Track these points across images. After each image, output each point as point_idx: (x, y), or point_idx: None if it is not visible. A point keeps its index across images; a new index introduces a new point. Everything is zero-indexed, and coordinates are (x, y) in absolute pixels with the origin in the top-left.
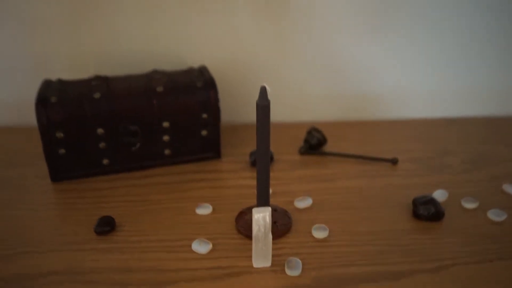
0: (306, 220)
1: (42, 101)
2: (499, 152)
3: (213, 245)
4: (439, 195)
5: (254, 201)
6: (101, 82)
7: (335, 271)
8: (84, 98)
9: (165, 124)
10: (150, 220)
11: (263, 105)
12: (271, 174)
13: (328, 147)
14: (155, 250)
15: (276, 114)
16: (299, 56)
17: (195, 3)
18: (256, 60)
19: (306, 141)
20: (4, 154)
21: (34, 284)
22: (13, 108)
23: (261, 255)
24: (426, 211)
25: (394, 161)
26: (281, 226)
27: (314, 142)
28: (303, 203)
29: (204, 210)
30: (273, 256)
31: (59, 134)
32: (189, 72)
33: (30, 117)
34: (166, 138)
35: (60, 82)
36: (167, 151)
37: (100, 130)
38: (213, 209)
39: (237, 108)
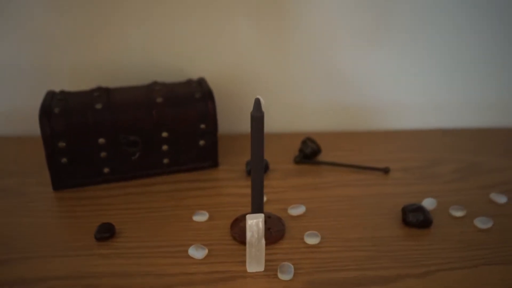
0: (299, 227)
1: (46, 112)
2: (488, 162)
3: (209, 250)
4: (428, 203)
5: (249, 209)
6: (103, 93)
7: (326, 276)
8: (86, 108)
9: (164, 134)
10: (149, 227)
11: (257, 116)
12: (267, 183)
13: (322, 157)
14: (154, 255)
15: (272, 125)
16: (295, 69)
17: (194, 18)
18: (253, 72)
19: (301, 150)
20: (8, 162)
21: None
22: (17, 118)
23: (255, 260)
24: (415, 219)
25: (386, 170)
26: (275, 232)
27: (308, 152)
28: (296, 210)
29: (201, 217)
30: (266, 261)
31: (62, 144)
32: (188, 84)
33: (33, 127)
34: (165, 147)
35: (63, 93)
36: (166, 160)
37: (101, 140)
38: (210, 216)
39: (234, 119)
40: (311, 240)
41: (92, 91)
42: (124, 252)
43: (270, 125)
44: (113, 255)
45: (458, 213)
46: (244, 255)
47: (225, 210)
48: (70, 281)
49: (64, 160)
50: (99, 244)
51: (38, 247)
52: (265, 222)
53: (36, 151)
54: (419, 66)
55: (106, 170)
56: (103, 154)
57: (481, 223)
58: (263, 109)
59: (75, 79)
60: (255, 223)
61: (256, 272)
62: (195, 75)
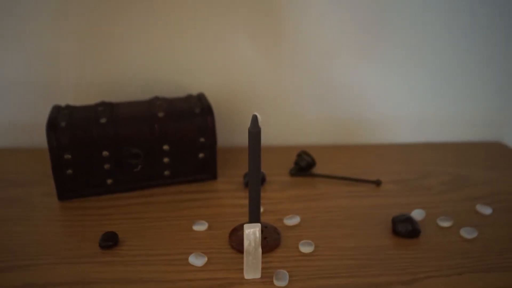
0: (294, 236)
1: (52, 125)
2: (475, 175)
3: (208, 258)
4: (417, 214)
5: (247, 219)
6: (107, 107)
7: (319, 283)
8: (91, 122)
9: (165, 147)
10: (151, 236)
11: (254, 131)
12: (263, 194)
13: (317, 169)
14: (155, 263)
15: (269, 138)
16: (291, 85)
17: (194, 35)
18: (250, 88)
19: (296, 163)
20: (14, 173)
21: None
22: (24, 131)
23: (252, 267)
24: (404, 229)
25: (377, 183)
26: (271, 241)
27: (304, 165)
28: (291, 220)
29: (200, 226)
30: (262, 268)
31: (67, 156)
32: (188, 99)
33: (39, 139)
34: (166, 160)
35: (69, 107)
36: (166, 172)
37: (105, 153)
38: (209, 226)
39: (232, 133)
40: (306, 249)
41: (96, 105)
42: (127, 260)
43: (267, 138)
44: (117, 262)
45: (445, 224)
46: (242, 263)
47: (224, 220)
48: (76, 286)
49: (69, 171)
50: (103, 252)
51: (45, 254)
52: (262, 231)
53: (41, 163)
54: (410, 82)
55: (109, 181)
56: (106, 166)
57: (467, 233)
58: (260, 125)
59: (79, 94)
60: (252, 232)
61: (253, 279)
62: (194, 91)
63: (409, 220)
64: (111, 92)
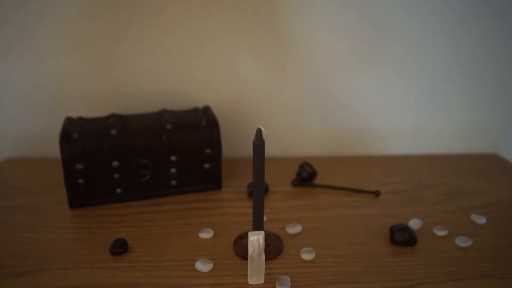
0: (296, 244)
1: (65, 136)
2: (472, 186)
3: (214, 264)
4: (414, 223)
5: (251, 227)
6: (117, 120)
7: None
8: (102, 134)
9: (173, 158)
10: (159, 243)
11: (258, 143)
12: (267, 204)
13: (318, 180)
14: (163, 268)
15: (272, 150)
16: (293, 98)
17: (201, 52)
18: (254, 101)
19: (298, 174)
20: (27, 182)
21: None
22: (37, 141)
23: (256, 273)
24: (401, 237)
25: (376, 193)
26: (274, 248)
27: (305, 175)
28: (293, 229)
29: (206, 234)
30: (266, 274)
31: (79, 166)
32: (195, 111)
33: (51, 150)
34: (173, 170)
35: (81, 119)
36: (173, 182)
37: (115, 163)
38: (214, 234)
39: (237, 144)
40: (307, 256)
41: (107, 117)
42: (136, 265)
43: (270, 150)
44: (127, 268)
45: (441, 233)
46: (246, 269)
47: (229, 228)
48: None
49: (80, 181)
50: (113, 258)
51: (58, 259)
52: (265, 239)
53: (53, 172)
54: (408, 96)
55: (119, 190)
56: (116, 175)
57: (462, 241)
58: (264, 137)
59: (90, 106)
60: (256, 239)
61: (257, 284)
62: (201, 103)
63: (406, 229)
64: (120, 104)
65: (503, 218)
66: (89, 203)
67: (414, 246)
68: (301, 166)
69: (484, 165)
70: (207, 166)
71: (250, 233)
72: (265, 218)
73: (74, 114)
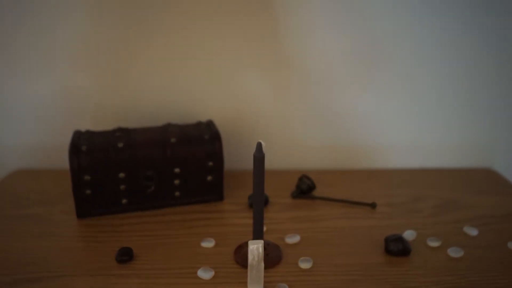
0: (294, 253)
1: (74, 149)
2: (465, 199)
3: (215, 272)
4: (409, 234)
5: (251, 237)
6: (124, 133)
7: None
8: (109, 147)
9: (176, 170)
10: (163, 252)
11: (258, 157)
12: (266, 215)
13: (317, 192)
14: (167, 276)
15: (272, 162)
16: (294, 113)
17: (204, 68)
18: (256, 116)
19: (298, 186)
20: (36, 192)
21: None
22: (46, 153)
23: (255, 280)
24: (396, 248)
25: (373, 205)
26: (273, 257)
27: (304, 188)
28: (292, 239)
29: (208, 243)
30: (265, 282)
31: (87, 177)
32: (198, 125)
33: (58, 162)
34: (177, 182)
35: (89, 132)
36: (177, 193)
37: (121, 174)
38: (216, 243)
39: (238, 157)
40: (305, 265)
41: (114, 131)
42: (141, 273)
43: (271, 163)
44: (132, 275)
45: (434, 244)
46: (246, 277)
47: (230, 238)
48: None
49: (88, 191)
50: (119, 266)
51: (65, 267)
52: (264, 248)
53: (60, 183)
54: (405, 111)
55: (124, 201)
56: (122, 187)
57: (454, 252)
58: (264, 150)
59: (98, 120)
60: (256, 247)
61: None
62: (204, 118)
63: (400, 239)
64: (127, 118)
65: (494, 230)
66: (96, 213)
67: (408, 256)
68: (300, 179)
69: (478, 179)
70: (209, 178)
71: (250, 242)
72: (264, 229)
73: (82, 128)
